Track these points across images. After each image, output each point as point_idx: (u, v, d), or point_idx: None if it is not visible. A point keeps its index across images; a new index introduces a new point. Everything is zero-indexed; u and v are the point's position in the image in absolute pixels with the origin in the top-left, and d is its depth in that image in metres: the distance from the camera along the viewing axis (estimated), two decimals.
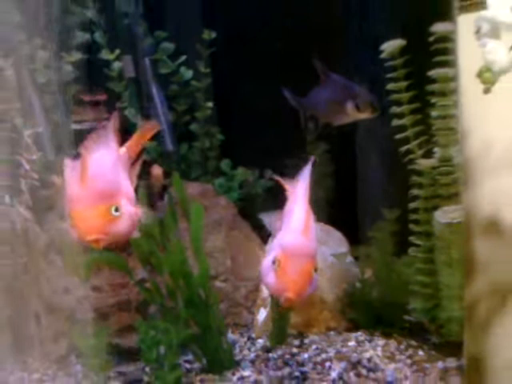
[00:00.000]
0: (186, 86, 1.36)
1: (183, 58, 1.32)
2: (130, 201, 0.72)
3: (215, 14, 1.29)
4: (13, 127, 0.99)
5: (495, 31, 1.14)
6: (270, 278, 0.73)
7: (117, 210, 0.67)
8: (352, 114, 1.01)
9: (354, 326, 1.14)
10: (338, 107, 1.03)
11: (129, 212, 0.70)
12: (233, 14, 1.27)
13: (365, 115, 1.02)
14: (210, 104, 1.33)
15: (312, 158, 0.83)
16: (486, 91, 1.01)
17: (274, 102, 1.28)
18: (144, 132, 0.80)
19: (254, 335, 1.16)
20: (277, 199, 1.36)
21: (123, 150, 0.78)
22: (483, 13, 1.09)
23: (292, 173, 0.92)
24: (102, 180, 0.69)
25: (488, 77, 1.12)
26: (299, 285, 0.72)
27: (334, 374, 0.98)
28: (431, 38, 0.98)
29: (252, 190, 1.37)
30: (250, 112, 1.32)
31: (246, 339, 1.14)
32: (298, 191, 0.79)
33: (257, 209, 1.38)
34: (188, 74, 1.36)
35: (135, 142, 0.79)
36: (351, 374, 0.98)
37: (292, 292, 0.71)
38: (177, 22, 1.29)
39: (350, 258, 1.23)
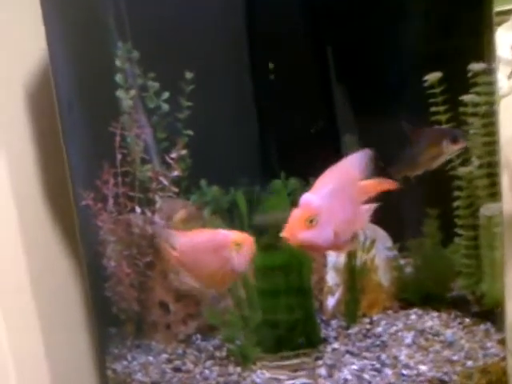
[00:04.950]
0: None
1: None
2: None
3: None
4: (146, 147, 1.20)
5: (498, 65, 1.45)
6: None
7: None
8: (448, 149, 1.19)
9: (406, 305, 1.39)
10: (436, 151, 1.20)
11: None
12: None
13: (458, 146, 1.20)
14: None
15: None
16: None
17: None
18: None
19: (324, 318, 1.39)
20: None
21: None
22: None
23: None
24: None
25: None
26: (290, 229, 0.88)
27: (407, 340, 1.23)
28: (469, 74, 1.26)
29: (218, 205, 1.47)
30: None
31: (319, 321, 1.38)
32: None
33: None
34: None
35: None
36: (421, 339, 1.24)
37: (284, 233, 0.89)
38: None
39: (395, 251, 1.49)
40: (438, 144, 1.22)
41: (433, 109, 1.33)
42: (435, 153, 1.22)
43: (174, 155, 1.23)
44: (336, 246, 0.96)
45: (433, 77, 1.31)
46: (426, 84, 1.29)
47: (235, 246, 0.97)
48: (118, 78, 1.33)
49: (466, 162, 1.31)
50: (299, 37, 1.47)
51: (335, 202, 0.92)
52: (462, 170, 1.30)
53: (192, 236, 1.01)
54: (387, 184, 0.98)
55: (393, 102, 1.42)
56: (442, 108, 1.33)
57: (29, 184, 1.30)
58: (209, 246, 0.99)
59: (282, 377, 1.15)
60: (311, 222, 0.89)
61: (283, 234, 0.89)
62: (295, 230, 0.88)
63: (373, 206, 0.97)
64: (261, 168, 1.55)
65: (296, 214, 0.90)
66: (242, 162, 1.49)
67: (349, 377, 1.12)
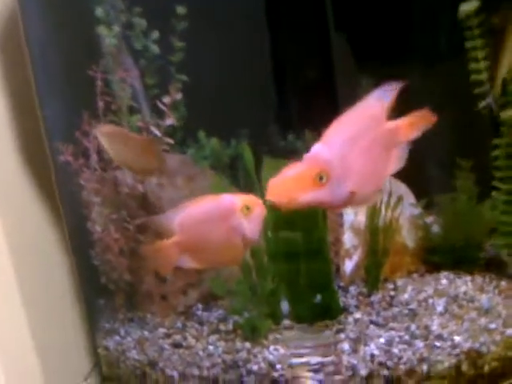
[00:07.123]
0: None
1: None
2: None
3: None
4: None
5: None
6: None
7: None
8: None
9: (433, 268, 1.24)
10: None
11: None
12: None
13: None
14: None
15: None
16: None
17: None
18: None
19: (341, 284, 1.24)
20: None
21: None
22: None
23: None
24: None
25: None
26: (278, 190, 0.71)
27: (439, 308, 1.09)
28: None
29: (219, 158, 1.33)
30: None
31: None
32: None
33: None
34: None
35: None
36: (454, 306, 1.09)
37: (270, 195, 0.71)
38: None
39: (420, 209, 1.33)
40: None
41: (469, 44, 1.16)
42: None
43: (166, 100, 1.06)
44: (354, 203, 0.79)
45: (468, 6, 1.14)
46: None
47: (245, 210, 0.83)
48: (99, 11, 1.14)
49: (506, 104, 1.15)
50: None
51: (352, 152, 0.77)
52: (502, 114, 1.14)
53: (192, 208, 0.86)
54: (423, 119, 0.81)
55: (421, 38, 1.25)
56: (479, 42, 1.16)
57: None
58: (214, 215, 0.85)
59: (299, 352, 1.01)
60: (321, 179, 0.73)
61: (276, 197, 0.70)
62: (297, 191, 0.71)
63: (405, 147, 0.81)
64: (267, 118, 1.39)
65: (299, 170, 0.73)
66: (245, 111, 1.32)
67: (376, 351, 0.97)
